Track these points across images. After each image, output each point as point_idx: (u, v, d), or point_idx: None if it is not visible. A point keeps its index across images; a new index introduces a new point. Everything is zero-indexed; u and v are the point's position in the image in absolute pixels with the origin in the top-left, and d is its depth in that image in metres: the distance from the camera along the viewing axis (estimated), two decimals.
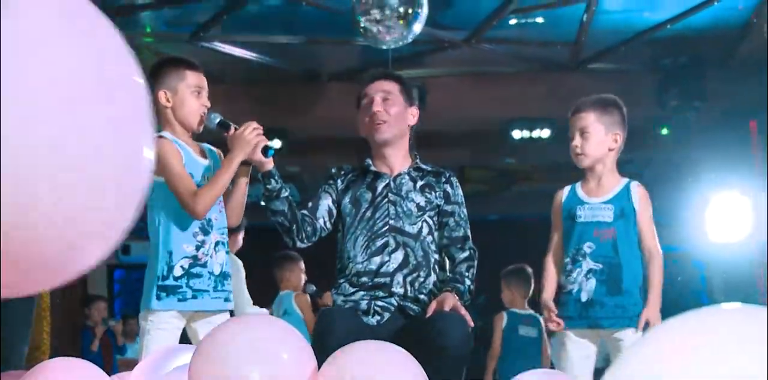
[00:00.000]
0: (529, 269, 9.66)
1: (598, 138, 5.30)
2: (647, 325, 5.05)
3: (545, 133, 12.38)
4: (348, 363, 2.90)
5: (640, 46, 11.41)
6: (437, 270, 5.36)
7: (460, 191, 5.46)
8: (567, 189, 5.51)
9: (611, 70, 11.80)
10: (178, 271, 4.99)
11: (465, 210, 5.44)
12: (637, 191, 5.33)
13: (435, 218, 5.38)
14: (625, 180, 5.40)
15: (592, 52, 11.65)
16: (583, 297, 5.24)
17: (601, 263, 5.22)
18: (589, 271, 5.23)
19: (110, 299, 14.36)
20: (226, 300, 5.14)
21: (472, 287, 5.30)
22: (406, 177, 5.39)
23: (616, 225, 5.25)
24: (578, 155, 5.33)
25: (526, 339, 9.36)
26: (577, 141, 5.31)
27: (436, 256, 5.37)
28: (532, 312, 9.38)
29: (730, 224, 12.19)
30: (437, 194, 5.37)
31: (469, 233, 5.41)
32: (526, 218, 13.53)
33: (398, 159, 5.45)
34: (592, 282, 5.21)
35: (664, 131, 12.42)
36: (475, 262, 5.36)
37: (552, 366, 8.51)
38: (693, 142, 12.49)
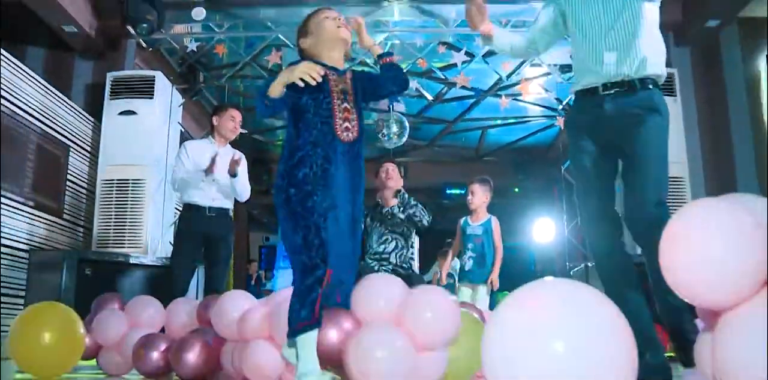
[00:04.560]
0: (449, 251, 9.73)
1: (480, 197, 5.63)
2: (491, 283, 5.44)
3: (462, 191, 12.42)
4: None
5: (506, 151, 11.36)
6: (412, 249, 5.38)
7: (415, 203, 5.34)
8: (463, 219, 5.76)
9: (494, 161, 11.73)
10: None
11: (418, 206, 5.33)
12: (494, 221, 5.61)
13: (409, 223, 5.32)
14: (489, 215, 5.67)
15: (485, 152, 11.59)
16: (466, 268, 5.57)
17: (475, 254, 5.54)
18: (470, 257, 5.55)
19: (259, 261, 14.22)
20: None
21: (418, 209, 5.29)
22: (396, 208, 5.31)
23: (483, 237, 5.56)
24: (470, 204, 5.65)
25: (447, 285, 9.54)
26: (470, 197, 5.67)
27: (412, 241, 5.39)
28: (450, 272, 9.52)
29: (544, 233, 12.24)
30: (407, 211, 5.27)
31: (424, 213, 5.33)
32: (451, 229, 13.48)
33: (391, 200, 5.38)
34: (471, 261, 5.55)
35: (516, 190, 12.38)
36: (424, 214, 5.31)
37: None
38: (528, 195, 12.44)
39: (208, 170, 4.84)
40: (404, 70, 3.12)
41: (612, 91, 2.90)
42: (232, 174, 4.86)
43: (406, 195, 5.34)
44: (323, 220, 2.67)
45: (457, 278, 6.29)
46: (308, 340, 2.56)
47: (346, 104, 2.90)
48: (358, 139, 2.89)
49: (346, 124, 2.87)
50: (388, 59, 3.06)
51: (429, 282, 9.74)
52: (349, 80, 2.98)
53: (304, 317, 2.54)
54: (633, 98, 2.89)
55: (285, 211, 2.71)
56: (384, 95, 3.12)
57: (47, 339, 3.24)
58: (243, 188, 5.04)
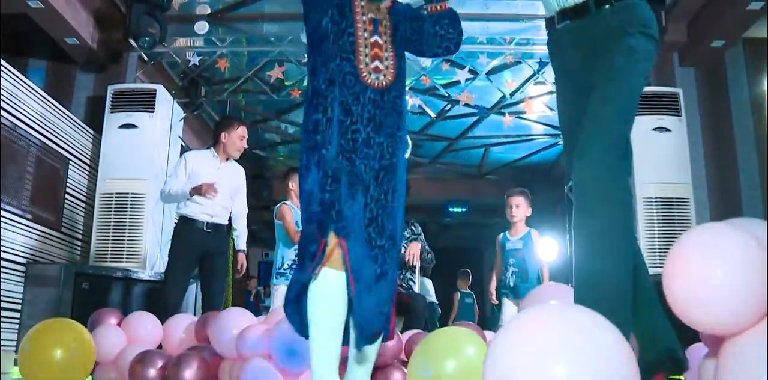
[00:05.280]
0: (468, 271, 10.06)
1: (524, 210, 5.56)
2: None
3: (464, 208, 12.40)
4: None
5: (509, 169, 11.36)
6: (413, 269, 5.19)
7: (418, 229, 5.23)
8: (502, 234, 5.69)
9: (497, 179, 11.71)
10: (285, 266, 5.18)
11: (421, 236, 5.24)
12: (533, 233, 5.58)
13: (406, 244, 5.17)
14: (528, 228, 5.61)
15: (488, 170, 11.59)
16: (510, 284, 5.43)
17: (517, 268, 5.44)
18: (513, 272, 5.45)
19: (258, 277, 14.19)
20: None
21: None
22: None
23: (524, 250, 5.49)
24: (514, 216, 5.55)
25: (468, 304, 9.71)
26: (514, 210, 5.54)
27: (410, 264, 5.17)
28: (470, 291, 9.71)
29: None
30: (407, 232, 5.19)
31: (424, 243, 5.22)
32: (455, 247, 13.28)
33: None
34: (514, 277, 5.43)
35: None
36: (432, 263, 5.29)
37: (478, 319, 9.66)
38: (533, 214, 12.40)
39: (194, 193, 4.78)
40: (460, 22, 2.42)
41: (567, 21, 2.21)
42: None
43: (424, 242, 5.26)
44: (329, 181, 2.10)
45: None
46: (312, 340, 2.12)
47: (376, 38, 2.27)
48: (394, 85, 2.26)
49: (376, 63, 2.24)
50: (439, 6, 2.40)
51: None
52: (387, 10, 2.34)
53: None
54: (589, 22, 2.18)
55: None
56: (426, 54, 2.48)
57: (58, 355, 3.24)
58: (243, 229, 5.21)
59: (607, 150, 2.01)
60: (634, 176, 6.15)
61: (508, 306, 5.44)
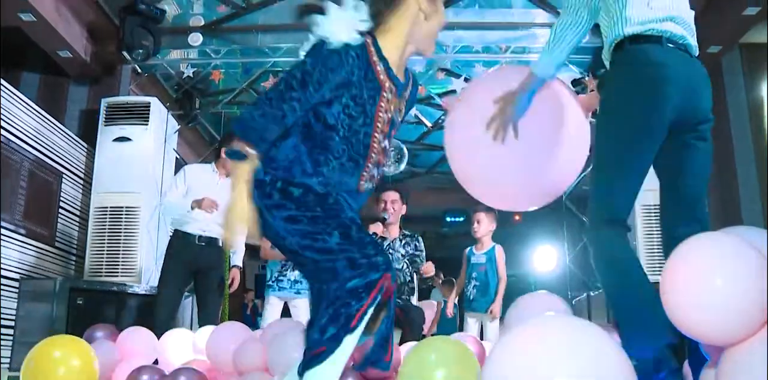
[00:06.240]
0: (453, 280, 9.77)
1: (486, 226, 5.53)
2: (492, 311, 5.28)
3: (462, 218, 12.41)
4: None
5: None
6: (410, 278, 5.17)
7: (421, 245, 5.24)
8: (469, 248, 5.68)
9: None
10: (273, 279, 5.24)
11: (423, 253, 5.24)
12: (498, 249, 5.52)
13: (408, 259, 5.16)
14: (493, 243, 5.58)
15: None
16: (471, 297, 5.48)
17: (479, 282, 5.45)
18: (474, 285, 5.46)
19: (256, 290, 14.15)
20: (297, 292, 5.22)
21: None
22: (398, 241, 5.17)
23: (486, 265, 5.47)
24: (475, 232, 5.54)
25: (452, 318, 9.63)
26: (475, 226, 5.55)
27: (409, 278, 5.14)
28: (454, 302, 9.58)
29: (545, 261, 12.19)
30: (411, 247, 5.19)
31: (423, 261, 5.19)
32: (453, 257, 13.31)
33: (394, 231, 5.18)
34: (475, 290, 5.45)
35: (516, 217, 12.34)
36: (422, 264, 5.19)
37: (460, 329, 9.12)
38: (528, 223, 12.42)
39: (195, 206, 4.77)
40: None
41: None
42: None
43: (419, 242, 5.29)
44: (356, 228, 1.88)
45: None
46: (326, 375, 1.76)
47: (386, 142, 1.97)
48: (371, 189, 2.05)
49: (375, 171, 1.99)
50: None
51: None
52: (406, 100, 2.04)
53: (326, 339, 1.72)
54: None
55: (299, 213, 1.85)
56: None
57: (62, 373, 3.21)
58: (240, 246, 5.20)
59: (594, 217, 2.15)
60: None
61: (468, 321, 5.52)
